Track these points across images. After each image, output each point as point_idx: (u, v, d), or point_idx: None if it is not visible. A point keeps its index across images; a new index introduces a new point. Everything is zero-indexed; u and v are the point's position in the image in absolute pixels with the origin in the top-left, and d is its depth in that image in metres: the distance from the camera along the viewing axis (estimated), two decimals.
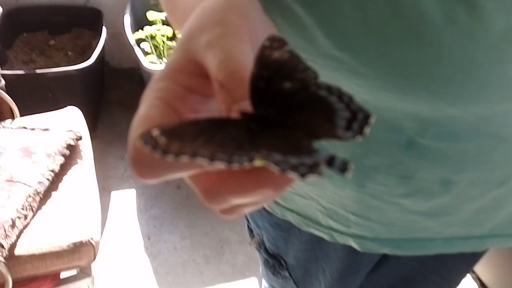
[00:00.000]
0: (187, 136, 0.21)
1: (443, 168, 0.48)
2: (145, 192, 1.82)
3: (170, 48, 1.85)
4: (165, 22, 1.87)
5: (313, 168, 0.20)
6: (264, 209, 0.63)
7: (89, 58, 1.79)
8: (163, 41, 1.84)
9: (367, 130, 0.23)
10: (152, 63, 1.78)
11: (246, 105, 0.23)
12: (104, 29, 1.97)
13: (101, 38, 1.92)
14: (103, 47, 1.91)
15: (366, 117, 0.23)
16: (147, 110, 0.24)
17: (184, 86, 0.25)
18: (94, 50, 1.84)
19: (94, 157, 1.28)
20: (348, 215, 0.54)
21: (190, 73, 0.25)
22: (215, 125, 0.23)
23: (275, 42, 0.24)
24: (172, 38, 1.86)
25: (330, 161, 0.21)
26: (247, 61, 0.24)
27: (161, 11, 1.92)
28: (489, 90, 0.41)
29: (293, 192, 0.57)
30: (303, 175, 0.20)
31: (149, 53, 1.85)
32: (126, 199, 1.79)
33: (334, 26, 0.41)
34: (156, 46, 1.86)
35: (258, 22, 0.27)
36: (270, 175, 0.22)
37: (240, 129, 0.23)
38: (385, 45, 0.39)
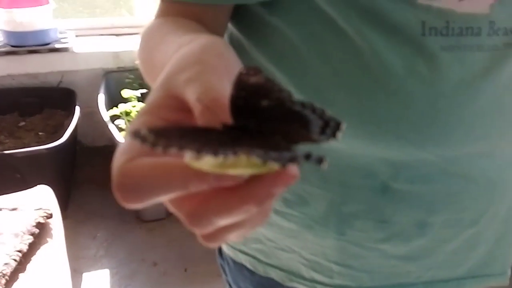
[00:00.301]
0: (173, 135, 0.23)
1: (417, 210, 0.50)
2: (119, 271, 1.72)
3: None
4: (140, 99, 1.88)
5: (293, 159, 0.22)
6: (246, 269, 0.62)
7: (60, 137, 1.76)
8: None
9: (339, 134, 0.25)
10: None
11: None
12: (77, 109, 1.96)
13: (73, 117, 1.90)
14: (76, 126, 1.89)
15: (338, 123, 0.25)
16: (129, 140, 0.25)
17: (166, 120, 0.26)
18: (66, 130, 1.82)
19: (64, 237, 1.21)
20: (330, 265, 0.55)
21: (171, 108, 0.27)
22: (199, 131, 0.25)
23: (251, 70, 0.26)
24: None
25: (307, 156, 0.22)
26: (225, 91, 0.26)
27: (136, 89, 1.94)
28: (452, 133, 0.46)
29: (276, 247, 0.58)
30: (283, 165, 0.22)
31: (124, 130, 1.83)
32: (99, 281, 1.69)
33: (305, 81, 0.47)
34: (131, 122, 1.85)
35: (233, 61, 0.30)
36: (252, 191, 0.23)
37: (222, 135, 0.24)
38: (354, 96, 0.43)
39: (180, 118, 0.27)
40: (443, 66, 0.43)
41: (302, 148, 0.24)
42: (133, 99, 1.88)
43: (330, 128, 0.25)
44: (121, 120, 1.85)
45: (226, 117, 0.25)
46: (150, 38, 0.47)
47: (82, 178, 2.12)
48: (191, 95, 0.26)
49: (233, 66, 0.29)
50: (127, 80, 2.05)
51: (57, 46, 2.05)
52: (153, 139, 0.21)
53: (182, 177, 0.23)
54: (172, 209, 0.25)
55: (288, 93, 0.26)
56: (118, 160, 0.24)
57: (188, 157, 0.22)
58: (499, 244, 0.58)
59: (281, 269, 0.59)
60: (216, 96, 0.25)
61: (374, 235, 0.52)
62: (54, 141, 1.74)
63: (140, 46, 0.49)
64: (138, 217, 1.93)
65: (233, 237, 0.26)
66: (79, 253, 1.75)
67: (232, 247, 0.64)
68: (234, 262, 0.64)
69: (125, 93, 1.88)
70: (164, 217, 1.92)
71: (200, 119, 0.25)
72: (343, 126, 0.25)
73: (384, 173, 0.48)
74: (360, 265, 0.55)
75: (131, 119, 1.85)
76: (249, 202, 0.23)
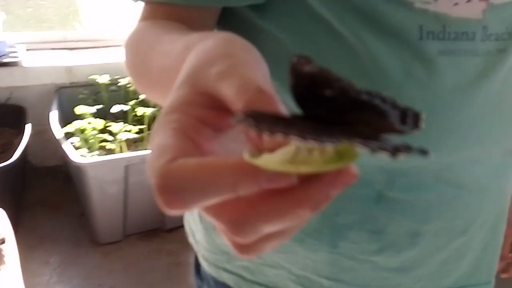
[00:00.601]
0: (267, 121, 0.21)
1: (411, 219, 0.50)
2: None
3: (102, 140, 1.77)
4: (95, 115, 1.81)
5: (399, 148, 0.20)
6: None
7: (10, 157, 1.66)
8: (94, 134, 1.76)
9: (422, 124, 0.24)
10: (83, 157, 1.68)
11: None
12: (28, 126, 1.86)
13: (24, 136, 1.80)
14: (26, 145, 1.78)
15: (416, 113, 0.24)
16: (164, 140, 0.23)
17: (197, 118, 0.24)
18: (16, 149, 1.72)
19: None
20: (321, 281, 0.54)
21: (201, 105, 0.25)
22: (285, 119, 0.22)
23: (302, 58, 0.25)
24: (103, 130, 1.78)
25: (408, 147, 0.20)
26: (265, 82, 0.24)
27: (90, 105, 1.86)
28: (448, 139, 0.46)
29: (262, 263, 0.57)
30: (394, 154, 0.20)
31: (79, 148, 1.75)
32: None
33: None
34: (86, 140, 1.77)
35: (259, 55, 0.28)
36: (308, 192, 0.21)
37: (304, 123, 0.23)
38: None
39: (211, 115, 0.25)
40: (440, 70, 0.44)
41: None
42: (87, 115, 1.80)
43: (409, 117, 0.23)
44: (76, 138, 1.77)
45: (275, 110, 0.23)
46: (140, 42, 0.44)
47: (33, 200, 2.00)
48: (228, 90, 0.24)
49: (260, 60, 0.27)
50: (81, 96, 1.97)
51: (6, 60, 1.94)
52: (254, 122, 0.20)
53: (232, 178, 0.21)
54: (209, 217, 0.23)
55: (348, 81, 0.24)
56: (157, 161, 0.22)
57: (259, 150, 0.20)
58: (485, 252, 0.59)
59: (267, 286, 0.57)
60: (258, 87, 0.23)
61: (367, 246, 0.52)
62: (3, 161, 1.64)
63: (128, 52, 0.46)
64: (93, 240, 1.84)
65: (271, 247, 0.24)
66: (31, 280, 1.63)
67: (214, 265, 0.61)
68: (216, 281, 0.61)
69: (79, 109, 1.80)
70: (120, 239, 1.84)
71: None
72: (423, 115, 0.24)
73: (379, 182, 0.48)
74: (351, 278, 0.54)
75: (86, 137, 1.77)
76: (304, 205, 0.21)
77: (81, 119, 1.78)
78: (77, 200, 1.93)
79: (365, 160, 0.47)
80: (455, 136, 0.46)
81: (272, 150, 0.22)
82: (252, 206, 0.22)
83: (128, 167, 1.68)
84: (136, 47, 0.44)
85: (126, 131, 1.77)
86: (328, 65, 0.47)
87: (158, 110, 1.85)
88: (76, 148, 1.74)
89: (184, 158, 0.22)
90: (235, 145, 0.26)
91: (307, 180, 0.21)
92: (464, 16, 0.43)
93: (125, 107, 1.86)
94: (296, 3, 0.45)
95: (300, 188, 0.21)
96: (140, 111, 1.81)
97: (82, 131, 1.77)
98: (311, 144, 0.20)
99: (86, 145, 1.77)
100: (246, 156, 0.21)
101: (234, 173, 0.21)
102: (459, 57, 0.44)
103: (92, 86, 2.00)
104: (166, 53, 0.36)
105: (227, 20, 0.50)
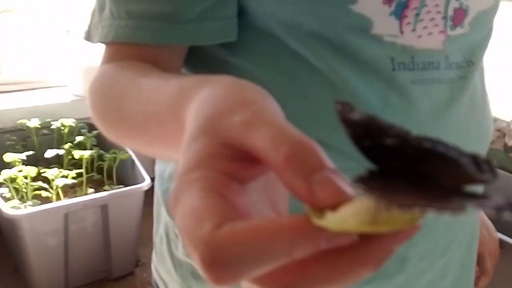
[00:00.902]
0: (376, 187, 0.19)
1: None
2: None
3: (36, 189, 1.64)
4: (25, 162, 1.68)
5: (503, 206, 0.18)
6: None
7: None
8: (26, 183, 1.63)
9: (497, 171, 0.22)
10: (15, 208, 1.54)
11: (326, 174, 0.21)
12: None
13: None
14: None
15: (486, 160, 0.22)
16: (196, 202, 0.21)
17: (223, 172, 0.22)
18: None
19: None
20: None
21: (226, 157, 0.23)
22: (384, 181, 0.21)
23: (345, 105, 0.24)
24: (37, 177, 1.66)
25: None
26: (297, 132, 0.22)
27: (20, 151, 1.73)
28: None
29: None
30: (499, 212, 0.18)
31: (10, 199, 1.61)
32: None
33: None
34: (18, 190, 1.64)
35: (273, 100, 0.26)
36: (371, 249, 0.20)
37: (404, 184, 0.21)
38: (331, 133, 0.43)
39: (237, 168, 0.22)
40: (414, 98, 0.46)
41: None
42: (17, 163, 1.67)
43: (483, 164, 0.22)
44: (5, 189, 1.63)
45: (321, 162, 0.21)
46: (110, 86, 0.41)
47: None
48: (260, 141, 0.22)
49: (276, 104, 0.25)
50: (8, 143, 1.83)
51: None
52: (383, 195, 0.18)
53: (289, 240, 0.19)
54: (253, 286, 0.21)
55: (402, 128, 0.23)
56: (198, 229, 0.20)
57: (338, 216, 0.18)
58: (463, 270, 0.61)
59: None
60: (297, 138, 0.22)
61: None
62: None
63: (94, 96, 0.42)
64: None
65: None
66: None
67: None
68: None
69: (8, 157, 1.67)
70: None
71: (284, 167, 0.21)
72: (493, 162, 0.23)
73: None
74: None
75: (18, 186, 1.63)
76: (368, 264, 0.20)
77: (10, 168, 1.65)
78: (10, 256, 1.77)
79: None
80: None
81: (334, 207, 0.19)
82: (306, 268, 0.20)
83: (67, 215, 1.57)
84: (105, 91, 0.41)
85: (62, 176, 1.66)
86: (310, 100, 0.47)
87: (97, 152, 1.76)
88: (6, 200, 1.60)
89: (229, 222, 0.19)
90: (256, 195, 0.24)
91: (368, 237, 0.20)
92: (428, 47, 0.46)
93: (60, 151, 1.74)
94: (270, 40, 0.45)
95: (362, 246, 0.20)
96: (76, 154, 1.71)
97: (13, 180, 1.63)
98: (429, 212, 0.18)
99: (18, 195, 1.64)
100: (312, 218, 0.19)
101: (293, 236, 0.19)
102: (428, 85, 0.47)
103: (21, 131, 1.87)
104: (150, 98, 0.34)
105: (197, 58, 0.48)
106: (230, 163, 0.22)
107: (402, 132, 0.23)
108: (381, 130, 0.23)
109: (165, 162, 0.60)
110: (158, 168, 0.62)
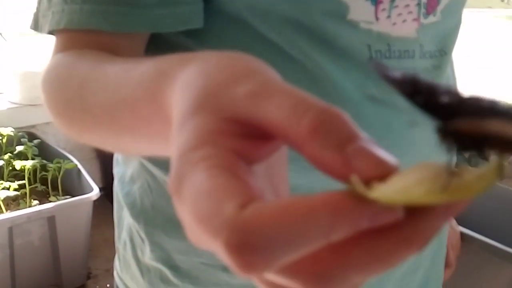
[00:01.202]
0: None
1: None
2: None
3: None
4: None
5: None
6: None
7: None
8: None
9: None
10: None
11: (362, 144, 0.19)
12: None
13: None
14: None
15: None
16: (210, 182, 0.18)
17: (231, 150, 0.19)
18: None
19: None
20: None
21: (231, 134, 0.20)
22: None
23: (379, 64, 0.23)
24: None
25: None
26: (319, 100, 0.20)
27: None
28: (405, 155, 0.47)
29: None
30: None
31: None
32: None
33: None
34: None
35: (276, 72, 0.24)
36: (418, 227, 0.18)
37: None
38: None
39: (245, 146, 0.20)
40: (391, 88, 0.46)
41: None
42: None
43: None
44: None
45: (353, 130, 0.19)
46: (68, 76, 0.37)
47: None
48: (274, 113, 0.19)
49: (282, 78, 0.23)
50: None
51: None
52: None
53: (328, 219, 0.16)
54: (283, 279, 0.18)
55: (447, 85, 0.21)
56: (221, 211, 0.17)
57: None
58: (434, 263, 0.61)
59: None
60: (321, 107, 0.19)
61: None
62: None
63: (48, 88, 0.39)
64: None
65: None
66: None
67: None
68: None
69: None
70: None
71: (310, 139, 0.18)
72: None
73: None
74: None
75: None
76: (413, 244, 0.17)
77: None
78: None
79: (328, 186, 0.47)
80: (411, 153, 0.47)
81: (382, 179, 0.17)
82: (341, 253, 0.17)
83: (11, 228, 1.47)
84: (63, 82, 0.38)
85: (3, 188, 1.56)
86: None
87: (39, 162, 1.67)
88: None
89: (253, 202, 0.17)
90: (260, 180, 0.21)
91: (414, 213, 0.17)
92: (402, 35, 0.45)
93: None
94: (241, 27, 0.42)
95: (408, 223, 0.17)
96: (17, 164, 1.61)
97: None
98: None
99: None
100: (360, 191, 0.17)
101: (333, 214, 0.16)
102: None
103: None
104: (120, 84, 0.30)
105: (157, 48, 0.45)
106: (237, 140, 0.20)
107: (453, 90, 0.21)
108: (430, 87, 0.21)
109: (125, 164, 0.56)
110: (117, 170, 0.58)
